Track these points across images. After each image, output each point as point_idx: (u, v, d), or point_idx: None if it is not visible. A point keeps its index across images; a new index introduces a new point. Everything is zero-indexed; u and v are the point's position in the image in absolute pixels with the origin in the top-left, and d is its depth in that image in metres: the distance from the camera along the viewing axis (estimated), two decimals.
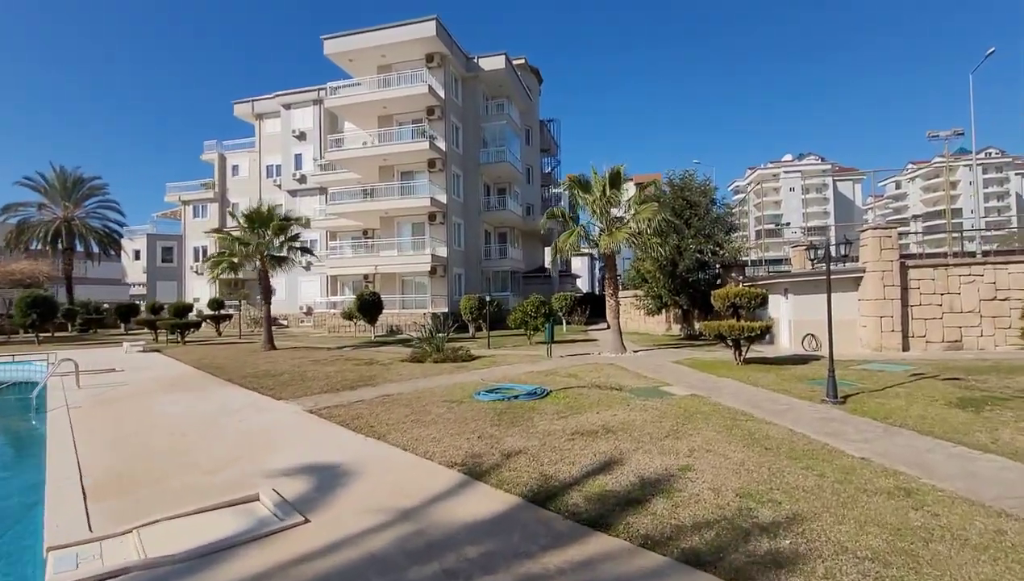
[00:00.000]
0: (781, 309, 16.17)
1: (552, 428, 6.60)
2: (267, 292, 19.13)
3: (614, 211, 15.12)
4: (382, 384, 10.56)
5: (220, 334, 29.02)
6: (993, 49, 21.65)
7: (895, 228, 13.59)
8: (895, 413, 7.11)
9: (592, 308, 33.48)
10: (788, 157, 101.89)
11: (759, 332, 11.28)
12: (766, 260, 28.24)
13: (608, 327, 29.83)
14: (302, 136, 35.46)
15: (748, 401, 8.12)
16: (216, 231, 18.51)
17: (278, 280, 37.53)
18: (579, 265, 67.40)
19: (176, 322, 22.93)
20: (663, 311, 20.53)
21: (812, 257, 7.99)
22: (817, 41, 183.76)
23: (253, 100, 37.42)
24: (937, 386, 9.00)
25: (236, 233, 19.43)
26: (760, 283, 16.91)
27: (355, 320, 24.69)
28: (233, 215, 18.93)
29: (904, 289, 13.66)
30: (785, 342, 15.80)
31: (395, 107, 29.08)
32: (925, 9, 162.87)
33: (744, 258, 22.82)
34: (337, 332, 28.45)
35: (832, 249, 8.14)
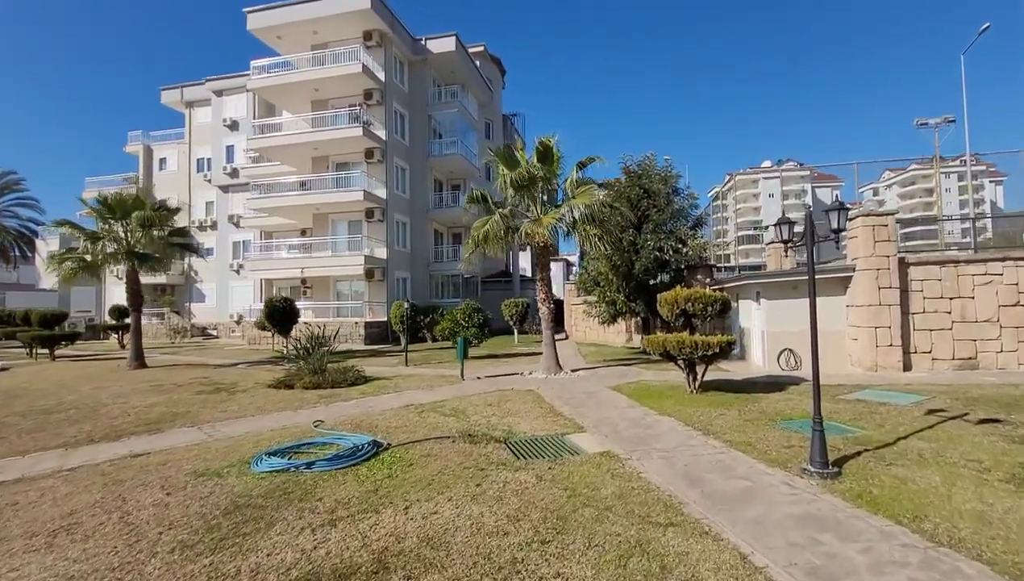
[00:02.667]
0: (753, 317, 13.23)
1: (274, 562, 3.37)
2: (135, 298, 15.60)
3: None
4: (173, 429, 7.23)
5: (124, 346, 25.16)
6: (988, 25, 19.31)
7: (892, 214, 10.74)
8: (931, 506, 4.04)
9: (557, 316, 30.47)
10: (767, 163, 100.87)
11: (718, 349, 8.24)
12: (746, 266, 25.57)
13: (566, 337, 27.02)
14: (234, 125, 31.90)
15: (687, 470, 5.01)
16: (62, 223, 14.86)
17: (208, 285, 33.98)
18: (554, 271, 64.38)
19: (40, 334, 19.16)
20: (619, 319, 17.48)
21: (785, 238, 4.92)
22: (807, 47, 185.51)
23: (183, 86, 33.80)
24: (972, 434, 6.00)
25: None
26: (727, 286, 13.95)
27: (269, 331, 21.18)
28: (85, 203, 15.32)
29: (904, 292, 10.79)
30: (758, 358, 12.84)
31: (328, 90, 25.82)
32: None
33: (712, 257, 19.97)
34: (257, 344, 24.87)
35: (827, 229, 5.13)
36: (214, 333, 32.60)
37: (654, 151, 17.23)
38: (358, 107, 25.12)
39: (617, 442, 6.06)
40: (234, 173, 31.58)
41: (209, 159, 33.03)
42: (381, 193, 25.54)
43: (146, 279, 33.18)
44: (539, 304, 12.67)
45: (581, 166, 12.08)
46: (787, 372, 11.42)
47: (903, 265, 10.84)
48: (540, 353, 14.49)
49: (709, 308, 8.50)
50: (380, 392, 10.03)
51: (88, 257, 14.73)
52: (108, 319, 27.11)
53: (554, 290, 43.04)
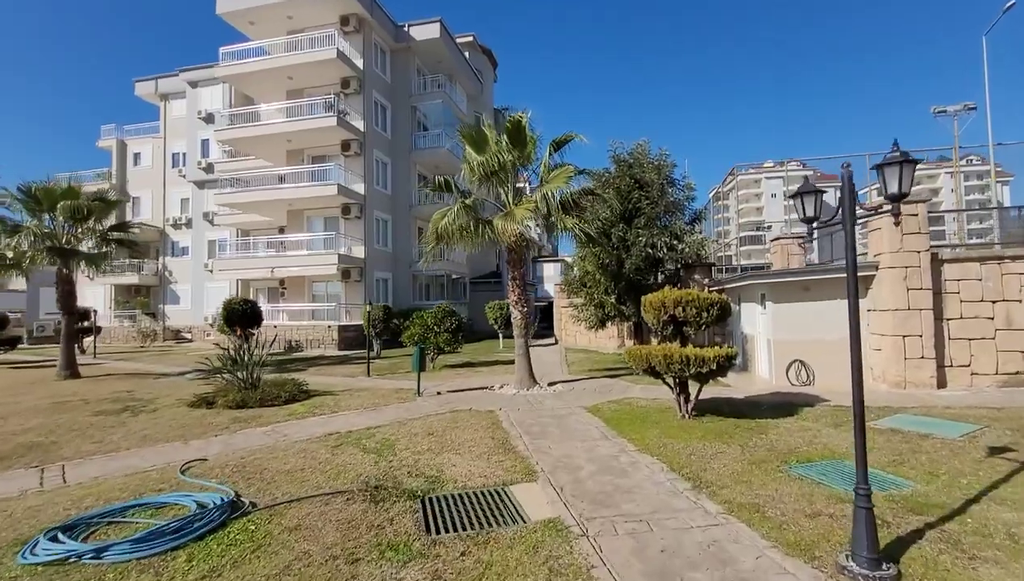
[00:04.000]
0: (758, 323, 11.56)
1: None
2: (67, 300, 13.94)
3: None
4: (9, 471, 5.59)
5: (84, 351, 23.51)
6: (1013, 3, 17.63)
7: (923, 201, 9.05)
8: None
9: (547, 319, 28.88)
10: (769, 163, 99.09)
11: (715, 366, 6.57)
12: (748, 267, 23.86)
13: (555, 342, 25.24)
14: (210, 118, 30.24)
15: (665, 562, 3.33)
16: None
17: (183, 286, 32.34)
18: (552, 271, 62.67)
19: None
20: (608, 324, 15.80)
21: (810, 215, 3.19)
22: (809, 47, 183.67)
23: (157, 78, 32.27)
24: None
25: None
26: (728, 287, 12.29)
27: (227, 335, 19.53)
28: (8, 192, 13.64)
29: (937, 294, 9.11)
30: (763, 370, 11.17)
31: (303, 78, 24.22)
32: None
33: (711, 256, 18.27)
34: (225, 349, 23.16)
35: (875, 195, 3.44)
36: (188, 336, 31.01)
37: (647, 137, 15.54)
38: (333, 96, 23.49)
39: (575, 498, 4.39)
40: (209, 168, 29.94)
41: (185, 154, 31.44)
42: (359, 188, 23.94)
43: (119, 280, 32.02)
44: (511, 307, 11.01)
45: (556, 146, 10.42)
46: (797, 388, 9.74)
47: (936, 262, 9.16)
48: None
49: (704, 314, 6.85)
50: (310, 414, 8.38)
51: (9, 253, 13.05)
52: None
53: (548, 291, 40.88)
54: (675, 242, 14.04)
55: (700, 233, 14.70)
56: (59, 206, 12.98)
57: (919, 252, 8.97)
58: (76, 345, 24.45)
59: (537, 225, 10.60)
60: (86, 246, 14.64)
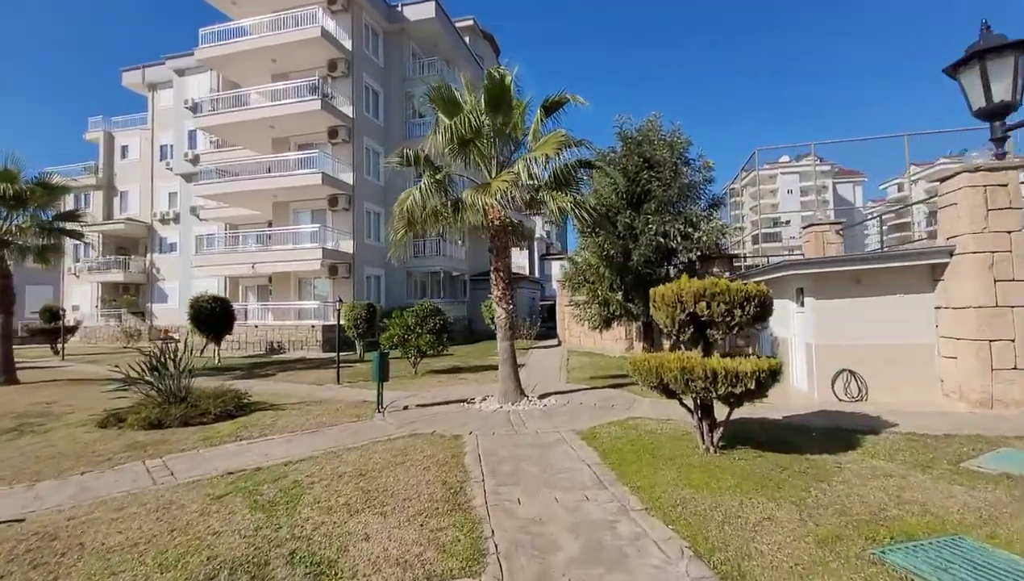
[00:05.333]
0: (793, 323, 9.62)
1: None
2: (3, 297, 12.40)
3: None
4: None
5: (57, 353, 22.12)
6: None
7: (1016, 168, 7.07)
8: None
9: (551, 316, 27.03)
10: (785, 158, 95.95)
11: (753, 385, 4.71)
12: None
13: (558, 343, 23.27)
14: (196, 108, 28.70)
15: None
16: None
17: (171, 283, 30.96)
18: (560, 271, 60.90)
19: None
20: (614, 324, 13.91)
21: (1001, 103, 1.48)
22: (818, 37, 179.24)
23: (144, 67, 30.97)
24: None
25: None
26: (755, 280, 10.34)
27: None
28: None
29: None
30: (800, 380, 9.23)
31: (287, 61, 22.62)
32: None
33: (732, 245, 16.31)
34: (200, 351, 21.66)
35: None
36: (175, 336, 29.60)
37: (658, 111, 13.62)
38: (318, 78, 21.85)
39: None
40: (196, 160, 28.53)
41: (172, 146, 30.09)
42: (347, 178, 22.31)
43: (105, 278, 30.72)
44: (494, 305, 9.21)
45: (548, 110, 8.54)
46: (848, 404, 7.80)
47: None
48: (521, 365, 11.10)
49: (736, 312, 4.98)
50: (232, 437, 6.66)
51: None
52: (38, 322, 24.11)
53: (556, 290, 38.69)
54: (690, 230, 12.16)
55: (719, 220, 12.78)
56: None
57: (1010, 233, 6.98)
58: (50, 345, 23.23)
59: (523, 202, 8.75)
60: (31, 237, 13.05)
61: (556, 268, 50.96)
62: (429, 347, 12.95)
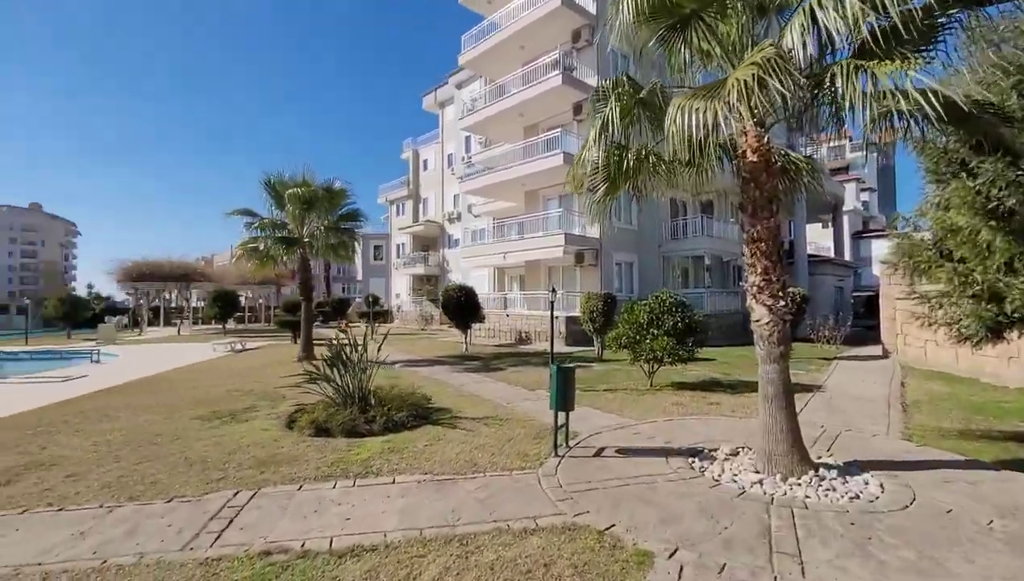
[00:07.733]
0: None
1: None
2: (305, 288, 15.03)
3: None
4: None
5: (373, 334, 27.58)
6: None
7: None
8: None
9: (870, 311, 19.24)
10: None
11: None
12: None
13: (883, 355, 15.38)
14: (464, 112, 31.88)
15: None
16: (242, 212, 14.91)
17: (455, 275, 35.36)
18: (885, 251, 45.11)
19: (284, 319, 21.66)
20: (1008, 333, 7.56)
21: None
22: None
23: (436, 89, 36.16)
24: None
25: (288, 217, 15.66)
26: None
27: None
28: (271, 186, 14.77)
29: None
30: None
31: (532, 43, 22.01)
32: None
33: None
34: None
35: None
36: (357, 325, 33.91)
37: None
38: (559, 53, 20.44)
39: None
40: (469, 162, 31.60)
41: (452, 154, 34.24)
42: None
43: (413, 271, 37.47)
44: (750, 299, 5.43)
45: None
46: None
47: None
48: (813, 388, 7.04)
49: None
50: (360, 466, 5.25)
51: (260, 245, 14.61)
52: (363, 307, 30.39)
53: (878, 277, 28.23)
54: None
55: None
56: (287, 194, 13.80)
57: None
58: (351, 324, 29.20)
59: (802, 103, 4.69)
60: (321, 236, 15.29)
61: (876, 249, 37.36)
62: (667, 353, 9.59)
